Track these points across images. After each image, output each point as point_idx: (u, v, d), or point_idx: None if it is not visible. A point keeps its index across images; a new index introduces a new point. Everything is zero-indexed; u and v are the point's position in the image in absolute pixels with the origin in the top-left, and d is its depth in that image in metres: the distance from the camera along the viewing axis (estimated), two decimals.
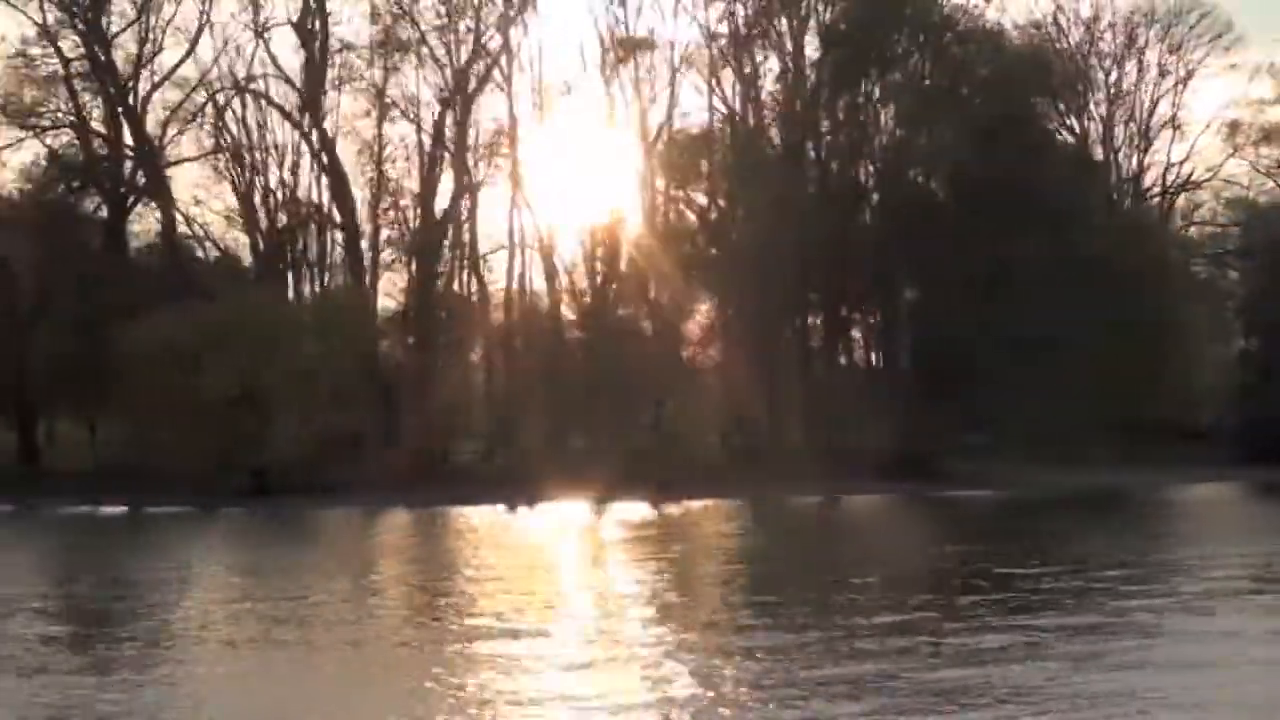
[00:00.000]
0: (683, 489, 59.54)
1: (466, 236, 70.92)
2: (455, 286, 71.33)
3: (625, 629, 24.98)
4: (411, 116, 69.83)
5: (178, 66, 69.00)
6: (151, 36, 68.23)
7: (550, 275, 71.28)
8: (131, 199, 69.49)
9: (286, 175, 68.49)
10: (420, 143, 69.74)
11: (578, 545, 43.91)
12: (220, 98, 68.39)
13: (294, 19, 67.23)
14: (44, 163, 69.42)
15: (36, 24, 67.84)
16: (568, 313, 72.59)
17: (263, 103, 68.05)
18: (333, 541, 47.69)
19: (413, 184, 69.56)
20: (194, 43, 68.48)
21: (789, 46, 73.71)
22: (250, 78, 67.71)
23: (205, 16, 68.23)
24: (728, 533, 48.63)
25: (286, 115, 68.07)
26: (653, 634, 23.98)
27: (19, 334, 67.13)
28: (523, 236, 70.39)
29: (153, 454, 60.61)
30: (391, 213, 69.27)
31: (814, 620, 25.17)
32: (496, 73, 69.83)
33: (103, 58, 68.13)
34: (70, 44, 68.41)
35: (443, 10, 67.73)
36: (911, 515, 54.79)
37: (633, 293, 72.30)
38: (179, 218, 67.90)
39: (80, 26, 68.06)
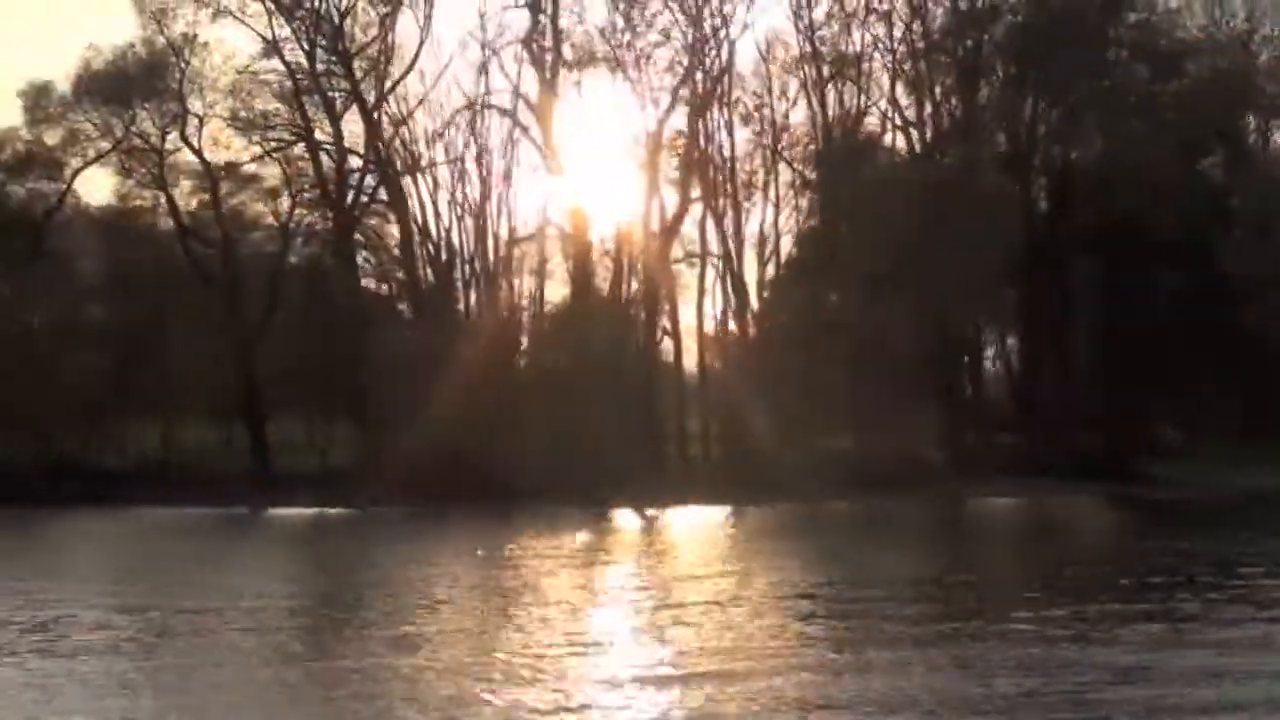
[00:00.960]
0: (864, 490, 61.22)
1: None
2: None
3: None
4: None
5: (402, 79, 70.88)
6: (387, 52, 70.34)
7: (738, 285, 73.49)
8: (359, 212, 71.67)
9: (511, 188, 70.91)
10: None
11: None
12: (460, 114, 70.55)
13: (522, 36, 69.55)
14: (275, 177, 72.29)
15: (265, 40, 69.90)
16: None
17: (498, 117, 70.50)
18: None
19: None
20: (415, 57, 70.47)
21: (965, 59, 75.58)
22: (481, 94, 70.17)
23: (424, 33, 70.28)
24: (978, 534, 50.13)
25: (524, 130, 70.38)
26: None
27: (249, 342, 69.84)
28: (721, 247, 73.22)
29: (388, 459, 62.63)
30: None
31: None
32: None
33: (339, 72, 70.29)
34: (299, 57, 70.26)
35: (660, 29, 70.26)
36: (1135, 517, 55.72)
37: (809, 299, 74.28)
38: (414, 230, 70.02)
39: (305, 42, 69.99)
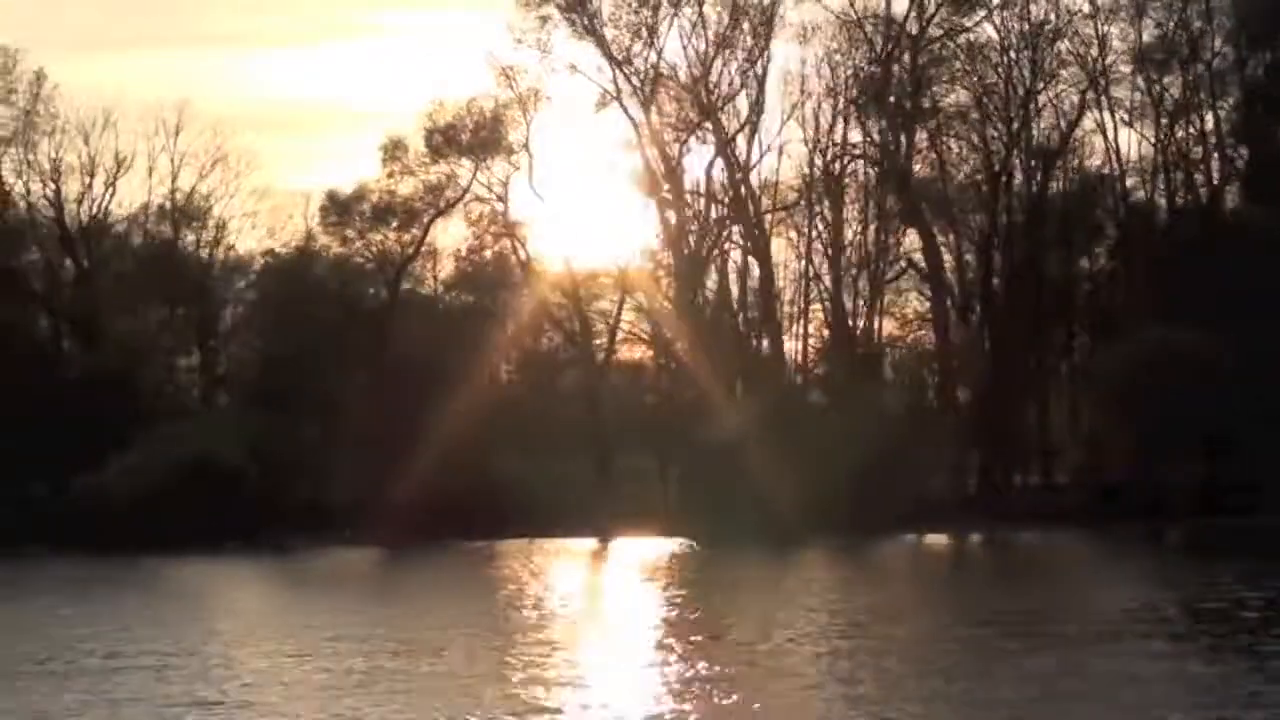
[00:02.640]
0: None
1: None
2: None
3: None
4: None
5: (744, 126, 73.48)
6: (759, 104, 73.13)
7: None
8: (711, 258, 74.10)
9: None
10: None
11: None
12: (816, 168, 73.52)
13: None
14: None
15: (609, 93, 72.47)
16: None
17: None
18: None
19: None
20: (753, 105, 73.24)
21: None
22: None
23: (760, 82, 72.74)
24: None
25: (885, 176, 72.59)
26: None
27: (593, 381, 73.26)
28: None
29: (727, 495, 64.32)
30: None
31: None
32: None
33: (693, 122, 73.03)
34: (636, 108, 72.88)
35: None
36: None
37: None
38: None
39: (642, 93, 72.39)
